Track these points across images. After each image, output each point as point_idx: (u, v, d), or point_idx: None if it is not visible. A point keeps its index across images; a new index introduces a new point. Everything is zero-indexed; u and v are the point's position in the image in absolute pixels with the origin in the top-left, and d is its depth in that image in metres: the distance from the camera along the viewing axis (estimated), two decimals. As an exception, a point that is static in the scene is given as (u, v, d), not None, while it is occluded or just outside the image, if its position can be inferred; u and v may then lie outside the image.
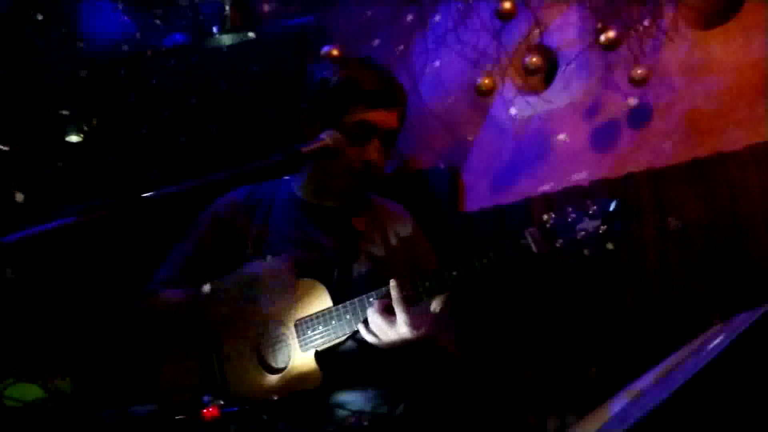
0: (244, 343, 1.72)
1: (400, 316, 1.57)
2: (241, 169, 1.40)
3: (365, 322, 1.63)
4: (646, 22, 3.26)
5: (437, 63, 3.69)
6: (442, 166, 3.97)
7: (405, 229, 1.93)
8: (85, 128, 3.73)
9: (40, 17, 3.58)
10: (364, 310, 1.63)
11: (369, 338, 1.63)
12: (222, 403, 1.42)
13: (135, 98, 3.85)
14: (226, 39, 3.93)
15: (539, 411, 3.26)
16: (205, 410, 1.41)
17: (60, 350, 3.06)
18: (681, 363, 1.24)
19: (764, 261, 2.91)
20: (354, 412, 1.71)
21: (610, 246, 1.51)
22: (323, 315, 1.67)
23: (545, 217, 1.57)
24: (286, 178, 1.97)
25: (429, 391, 1.88)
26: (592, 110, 3.55)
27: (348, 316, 1.65)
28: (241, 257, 1.82)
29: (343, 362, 1.70)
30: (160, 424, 1.64)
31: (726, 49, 3.21)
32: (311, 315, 1.68)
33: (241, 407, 1.44)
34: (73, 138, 3.77)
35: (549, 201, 3.43)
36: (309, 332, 1.68)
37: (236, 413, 1.45)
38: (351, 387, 1.72)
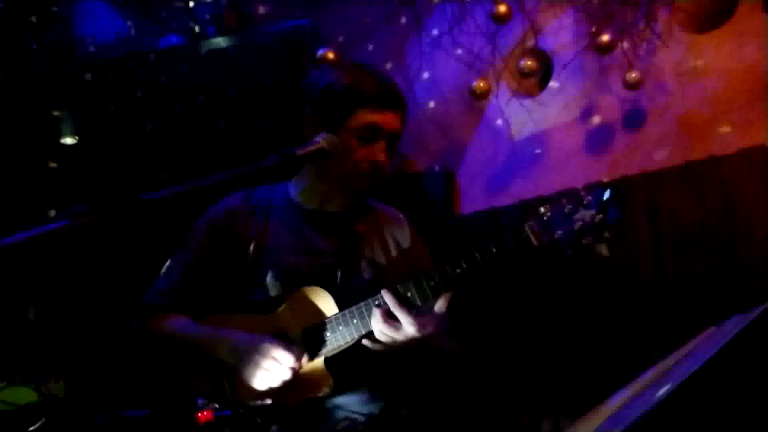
0: (237, 372, 1.71)
1: (404, 320, 1.58)
2: (236, 171, 1.39)
3: (370, 335, 1.64)
4: (640, 26, 3.28)
5: (432, 66, 3.70)
6: (437, 168, 3.98)
7: (403, 233, 1.94)
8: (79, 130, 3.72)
9: (34, 19, 3.57)
10: (370, 313, 1.64)
11: (377, 347, 1.63)
12: (216, 406, 1.42)
13: (130, 99, 3.84)
14: (222, 41, 3.93)
15: (534, 412, 3.26)
16: (199, 413, 1.41)
17: (53, 353, 3.05)
18: (675, 365, 1.24)
19: (757, 263, 2.92)
20: (356, 414, 1.71)
21: (607, 234, 1.53)
22: (330, 322, 1.68)
23: (542, 209, 1.58)
24: (282, 183, 1.96)
25: (430, 390, 1.88)
26: (586, 113, 3.56)
27: (355, 321, 1.65)
28: (241, 265, 1.81)
29: (353, 366, 1.71)
30: (154, 427, 1.64)
31: (719, 53, 3.22)
32: (318, 322, 1.69)
33: (235, 411, 1.43)
34: (68, 140, 3.76)
35: (543, 203, 3.43)
36: (317, 340, 1.69)
37: (230, 417, 1.45)
38: (346, 390, 1.72)
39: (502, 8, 3.16)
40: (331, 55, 3.22)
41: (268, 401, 1.59)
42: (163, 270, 1.87)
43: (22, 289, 3.19)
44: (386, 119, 1.77)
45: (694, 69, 3.27)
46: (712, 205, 3.05)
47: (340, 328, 1.66)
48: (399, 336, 1.59)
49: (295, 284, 1.75)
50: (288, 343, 1.62)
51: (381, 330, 1.60)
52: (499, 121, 3.76)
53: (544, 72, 3.64)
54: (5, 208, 3.40)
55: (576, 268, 3.23)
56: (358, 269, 1.81)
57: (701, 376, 1.02)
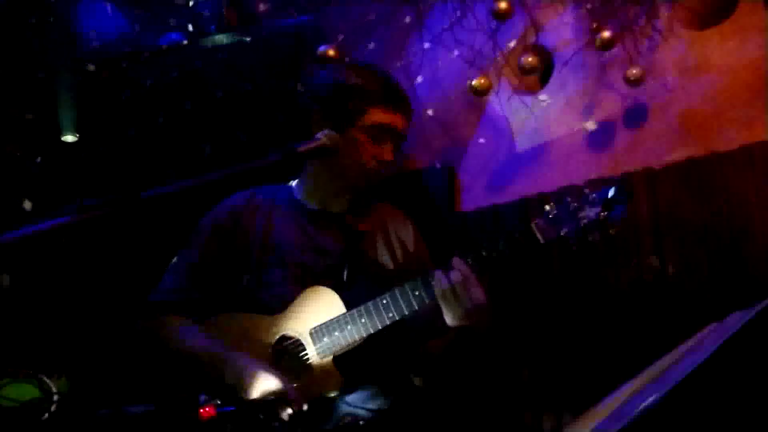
0: (258, 353, 1.72)
1: (477, 286, 1.61)
2: (238, 168, 1.40)
3: (386, 330, 1.65)
4: (641, 23, 3.27)
5: (433, 63, 3.69)
6: (438, 165, 3.97)
7: (406, 232, 1.96)
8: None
9: (35, 19, 3.57)
10: (379, 312, 1.65)
11: (452, 312, 1.63)
12: (218, 402, 1.42)
13: (131, 97, 3.84)
14: (223, 38, 3.93)
15: (535, 410, 3.27)
16: (201, 410, 1.41)
17: (56, 350, 3.06)
18: (676, 362, 1.24)
19: (759, 260, 2.92)
20: (360, 409, 1.71)
21: (612, 230, 1.57)
22: (338, 320, 1.69)
23: (547, 207, 1.62)
24: (286, 183, 1.97)
25: (434, 387, 1.89)
26: (587, 110, 3.55)
27: (363, 320, 1.66)
28: (246, 264, 1.82)
29: (362, 365, 1.71)
30: (156, 423, 1.64)
31: (721, 50, 3.22)
32: (326, 322, 1.69)
33: (237, 406, 1.44)
34: (69, 138, 3.76)
35: (545, 200, 3.43)
36: (325, 339, 1.69)
37: (232, 413, 1.45)
38: (357, 388, 1.73)
39: (503, 5, 3.15)
40: (332, 53, 3.22)
41: (272, 396, 1.60)
42: (169, 269, 1.88)
43: (26, 285, 3.20)
44: (395, 120, 1.81)
45: (696, 66, 3.26)
46: (714, 202, 3.04)
47: (348, 326, 1.67)
48: (466, 304, 1.60)
49: (301, 283, 1.76)
50: (288, 383, 1.61)
51: (452, 295, 1.60)
52: (500, 118, 3.76)
53: (545, 68, 3.64)
54: (6, 205, 3.40)
55: (578, 264, 3.23)
56: (363, 268, 1.82)
57: (704, 372, 1.02)
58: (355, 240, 1.84)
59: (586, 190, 1.60)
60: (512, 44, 3.62)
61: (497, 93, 3.55)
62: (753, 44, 3.13)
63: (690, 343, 1.39)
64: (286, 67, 3.79)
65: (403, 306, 1.65)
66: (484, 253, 1.61)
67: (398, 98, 1.83)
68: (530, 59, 3.24)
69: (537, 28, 3.48)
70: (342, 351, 1.68)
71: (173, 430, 1.63)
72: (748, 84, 3.12)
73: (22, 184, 3.52)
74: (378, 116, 1.78)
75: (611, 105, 3.47)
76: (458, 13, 3.51)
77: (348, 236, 1.85)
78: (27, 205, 3.20)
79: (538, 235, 1.60)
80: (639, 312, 3.12)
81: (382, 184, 1.87)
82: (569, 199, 1.61)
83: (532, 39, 3.52)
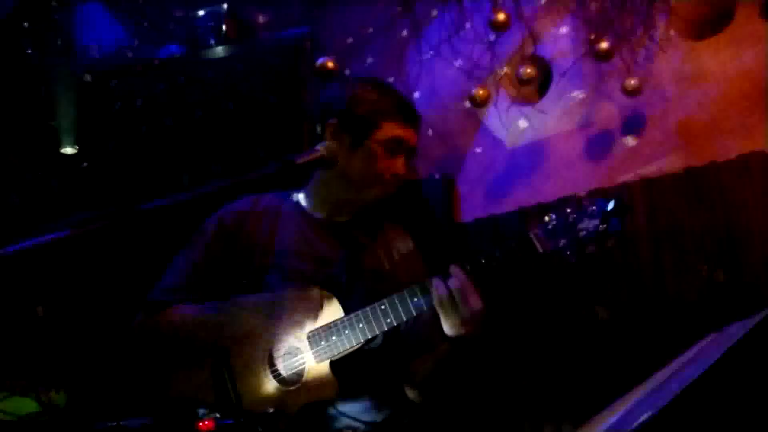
0: (255, 357, 1.72)
1: (474, 294, 1.62)
2: (236, 180, 1.40)
3: (381, 337, 1.66)
4: (638, 33, 3.29)
5: (432, 74, 3.71)
6: (436, 175, 3.98)
7: (405, 245, 1.99)
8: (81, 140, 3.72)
9: (34, 31, 3.58)
10: (377, 318, 1.66)
11: (450, 321, 1.64)
12: (217, 415, 1.42)
13: (130, 108, 3.85)
14: (222, 50, 3.94)
15: (535, 420, 3.25)
16: (200, 423, 1.40)
17: (54, 363, 3.04)
18: (676, 372, 1.24)
19: (757, 270, 2.92)
20: (358, 422, 1.71)
21: (610, 243, 1.58)
22: (336, 325, 1.69)
23: (546, 218, 1.63)
24: (292, 191, 1.98)
25: (431, 399, 1.89)
26: (585, 120, 3.56)
27: (361, 325, 1.67)
28: (247, 267, 1.83)
29: (358, 371, 1.72)
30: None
31: (718, 59, 3.23)
32: (324, 326, 1.70)
33: (236, 420, 1.43)
34: (68, 150, 3.76)
35: (543, 210, 3.43)
36: (323, 343, 1.69)
37: (231, 426, 1.44)
38: (350, 397, 1.72)
39: (501, 16, 3.17)
40: (330, 64, 3.23)
41: (271, 409, 1.60)
42: (170, 267, 1.89)
43: (23, 298, 3.19)
44: (408, 134, 1.87)
45: (693, 75, 3.28)
46: (712, 211, 3.05)
47: (346, 331, 1.68)
48: (463, 311, 1.61)
49: (299, 289, 1.76)
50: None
51: (449, 303, 1.61)
52: (499, 128, 3.77)
53: (543, 79, 3.65)
54: (4, 218, 3.40)
55: (576, 275, 3.23)
56: (362, 279, 1.82)
57: (703, 383, 1.02)
58: (356, 251, 1.86)
59: (585, 202, 1.61)
60: (510, 55, 3.64)
61: (495, 103, 3.56)
62: (749, 54, 3.14)
63: (689, 353, 1.39)
64: (284, 78, 3.81)
65: (401, 312, 1.66)
66: (482, 261, 1.62)
67: (411, 113, 1.89)
68: (528, 70, 3.25)
69: (535, 39, 3.50)
70: (339, 356, 1.68)
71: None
72: (744, 93, 3.13)
73: (21, 196, 3.52)
74: (392, 130, 1.83)
75: (609, 115, 3.48)
76: (456, 25, 3.52)
77: (349, 247, 1.86)
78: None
79: (537, 246, 1.61)
80: (639, 321, 3.11)
81: (393, 196, 1.90)
82: (569, 211, 1.62)
83: (530, 50, 3.54)
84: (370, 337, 1.67)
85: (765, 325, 1.19)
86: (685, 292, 3.05)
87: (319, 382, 1.67)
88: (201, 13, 3.95)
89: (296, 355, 1.71)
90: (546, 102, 3.66)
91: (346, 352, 1.68)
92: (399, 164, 1.85)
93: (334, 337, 1.68)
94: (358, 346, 1.68)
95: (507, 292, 3.32)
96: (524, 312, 3.38)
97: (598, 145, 3.52)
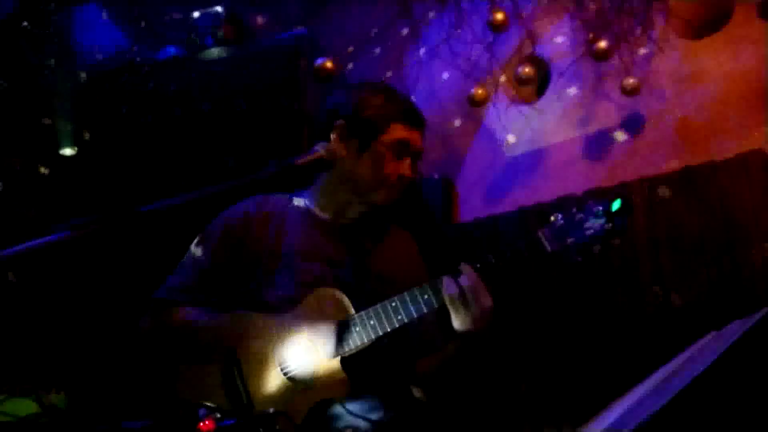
0: (265, 354, 1.73)
1: (484, 292, 1.64)
2: (235, 183, 1.40)
3: (392, 334, 1.67)
4: (636, 33, 3.29)
5: (430, 74, 3.71)
6: (436, 176, 3.98)
7: (408, 249, 2.00)
8: (81, 139, 3.72)
9: (33, 33, 3.59)
10: (388, 315, 1.68)
11: (461, 318, 1.66)
12: (218, 416, 1.42)
13: (128, 111, 3.85)
14: (220, 52, 3.94)
15: (535, 422, 3.26)
16: (201, 423, 1.40)
17: (54, 364, 3.04)
18: (675, 372, 1.24)
19: (755, 269, 2.93)
20: (360, 419, 1.71)
21: (616, 242, 1.61)
22: (346, 322, 1.70)
23: (553, 218, 1.66)
24: (297, 192, 1.99)
25: (435, 398, 1.90)
26: (584, 120, 3.57)
27: (372, 322, 1.69)
28: (255, 269, 1.83)
29: (368, 367, 1.72)
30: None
31: (715, 59, 3.24)
32: (334, 323, 1.71)
33: (237, 420, 1.43)
34: (67, 151, 3.76)
35: (542, 211, 3.44)
36: (333, 340, 1.70)
37: (233, 426, 1.44)
38: (358, 395, 1.73)
39: (499, 16, 3.18)
40: (329, 65, 3.23)
41: (272, 409, 1.60)
42: (177, 268, 1.89)
43: (23, 300, 3.19)
44: (414, 137, 1.89)
45: (691, 75, 3.28)
46: (711, 210, 3.05)
47: (357, 329, 1.69)
48: (474, 309, 1.64)
49: (308, 288, 1.77)
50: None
51: (461, 301, 1.64)
52: (498, 129, 3.77)
53: (542, 79, 3.65)
54: (5, 219, 3.40)
55: (576, 275, 3.23)
56: (368, 282, 1.83)
57: (702, 382, 1.02)
58: (361, 252, 1.87)
59: (591, 202, 1.65)
60: (509, 55, 3.65)
61: (494, 104, 3.57)
62: (747, 54, 3.15)
63: (689, 352, 1.39)
64: (283, 80, 3.81)
65: (412, 309, 1.68)
66: (492, 260, 1.65)
67: (417, 116, 1.91)
68: (527, 70, 3.26)
69: (533, 39, 3.51)
70: (349, 353, 1.70)
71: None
72: (742, 93, 3.14)
73: (23, 197, 3.52)
74: (399, 132, 1.85)
75: (607, 115, 3.48)
76: (455, 25, 3.53)
77: (354, 249, 1.87)
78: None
79: (546, 245, 1.64)
80: (638, 321, 3.11)
81: (400, 199, 1.91)
82: (575, 210, 1.65)
83: (528, 50, 3.55)
84: (381, 334, 1.68)
85: (764, 324, 1.19)
86: (684, 291, 3.05)
87: (330, 380, 1.68)
88: (199, 15, 3.95)
89: (306, 353, 1.72)
90: (544, 102, 3.67)
91: (357, 350, 1.69)
92: (406, 167, 1.87)
93: (344, 335, 1.69)
94: (369, 344, 1.69)
95: (514, 291, 3.32)
96: (528, 311, 3.38)
97: (597, 145, 3.52)
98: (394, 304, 1.68)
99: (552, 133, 3.64)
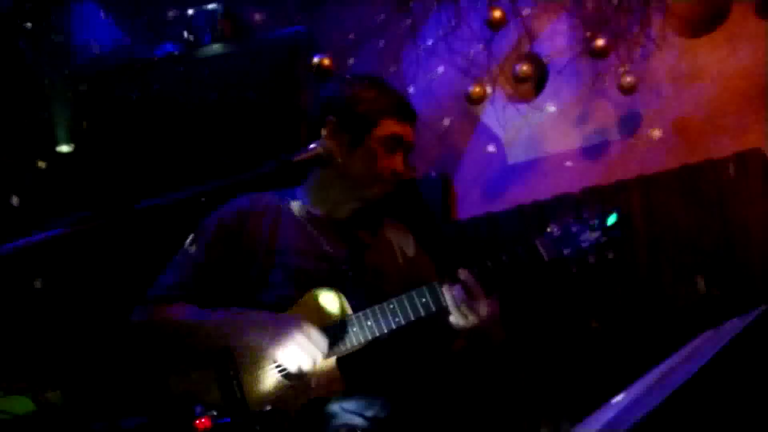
0: (259, 353, 1.72)
1: (481, 299, 1.66)
2: (233, 179, 1.40)
3: (389, 335, 1.67)
4: (634, 31, 3.29)
5: (428, 72, 3.71)
6: (433, 174, 3.98)
7: (407, 244, 2.00)
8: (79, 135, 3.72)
9: (29, 30, 3.57)
10: (385, 316, 1.68)
11: (461, 321, 1.67)
12: (215, 414, 1.41)
13: (126, 107, 3.84)
14: (218, 48, 3.93)
15: (532, 418, 3.26)
16: (197, 421, 1.40)
17: (50, 362, 3.04)
18: (674, 369, 1.24)
19: (754, 266, 2.93)
20: (356, 416, 1.71)
21: (610, 255, 1.67)
22: (343, 322, 1.70)
23: (550, 228, 1.70)
24: (291, 188, 1.98)
25: (432, 396, 1.90)
26: (581, 118, 3.57)
27: (369, 323, 1.69)
28: (249, 266, 1.83)
29: (365, 368, 1.72)
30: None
31: (713, 57, 3.24)
32: (331, 323, 1.70)
33: (233, 418, 1.43)
34: (64, 148, 3.75)
35: (541, 209, 3.44)
36: (329, 339, 1.69)
37: (229, 424, 1.44)
38: (354, 393, 1.73)
39: (497, 14, 3.17)
40: (327, 62, 3.23)
41: (274, 406, 1.60)
42: (170, 265, 1.88)
43: (19, 296, 3.18)
44: (406, 131, 1.89)
45: (689, 73, 3.28)
46: (708, 209, 3.05)
47: (354, 329, 1.69)
48: (473, 316, 1.66)
49: (305, 286, 1.77)
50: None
51: (461, 307, 1.65)
52: (495, 127, 3.77)
53: (540, 77, 3.65)
54: (1, 216, 3.39)
55: (576, 281, 3.23)
56: (366, 275, 1.83)
57: (700, 379, 1.02)
58: (357, 248, 1.87)
59: (586, 215, 1.69)
60: (506, 53, 3.64)
61: (492, 101, 3.56)
62: (745, 52, 3.15)
63: (686, 350, 1.39)
64: (281, 77, 3.80)
65: (409, 311, 1.69)
66: (489, 265, 1.66)
67: (408, 110, 1.91)
68: (524, 68, 3.25)
69: (531, 36, 3.50)
70: (346, 353, 1.69)
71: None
72: (740, 91, 3.14)
73: (18, 194, 3.51)
74: (390, 127, 1.85)
75: (605, 113, 3.48)
76: (452, 23, 3.52)
77: (350, 244, 1.87)
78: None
79: (543, 253, 1.67)
80: (636, 318, 3.12)
81: (392, 194, 1.91)
82: (571, 222, 1.69)
83: (526, 48, 3.54)
84: (378, 335, 1.68)
85: (762, 321, 1.19)
86: (682, 291, 3.06)
87: (325, 379, 1.68)
88: (197, 11, 3.94)
89: (302, 351, 1.71)
90: (542, 100, 3.66)
91: (353, 350, 1.69)
92: (398, 161, 1.87)
93: (341, 335, 1.69)
94: (365, 344, 1.69)
95: (511, 295, 3.32)
96: (525, 313, 3.38)
97: (594, 143, 3.52)
98: (392, 306, 1.68)
99: (549, 130, 3.64)
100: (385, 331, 1.68)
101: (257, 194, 1.97)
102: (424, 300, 1.68)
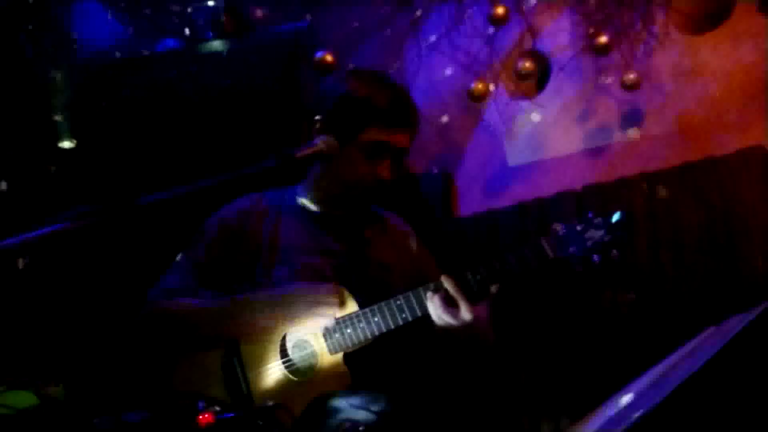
0: (267, 347, 1.72)
1: (463, 305, 1.64)
2: (235, 174, 1.40)
3: (393, 331, 1.68)
4: (637, 28, 3.28)
5: (430, 68, 3.70)
6: (435, 171, 3.98)
7: (409, 240, 1.99)
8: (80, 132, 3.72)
9: (30, 25, 3.57)
10: (392, 313, 1.68)
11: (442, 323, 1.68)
12: (217, 409, 1.42)
13: (127, 103, 3.84)
14: (219, 45, 3.93)
15: (533, 415, 3.26)
16: (200, 416, 1.40)
17: (53, 356, 3.04)
18: (674, 366, 1.24)
19: (756, 263, 2.93)
20: (360, 410, 1.71)
21: (615, 252, 1.67)
22: (350, 318, 1.70)
23: (555, 227, 1.70)
24: (292, 186, 1.98)
25: (435, 391, 1.91)
26: (584, 115, 3.56)
27: (376, 319, 1.69)
28: (253, 265, 1.82)
29: (371, 363, 1.73)
30: (154, 431, 1.63)
31: (716, 54, 3.24)
32: (338, 318, 1.71)
33: (236, 413, 1.44)
34: (66, 144, 3.75)
35: (542, 206, 3.44)
36: (336, 335, 1.70)
37: (231, 419, 1.44)
38: (360, 389, 1.73)
39: (500, 10, 3.17)
40: (329, 58, 3.23)
41: (271, 402, 1.60)
42: (172, 266, 1.88)
43: (21, 291, 3.19)
44: (395, 138, 1.82)
45: (691, 70, 3.28)
46: (710, 205, 3.05)
47: (361, 325, 1.70)
48: (456, 321, 1.65)
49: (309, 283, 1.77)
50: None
51: (440, 315, 1.65)
52: (497, 123, 3.77)
53: (542, 74, 3.65)
54: (2, 212, 3.40)
55: (587, 273, 3.22)
56: (370, 271, 1.83)
57: (701, 377, 1.02)
58: (359, 244, 1.87)
59: (591, 214, 1.70)
60: (509, 49, 3.63)
61: (494, 98, 3.56)
62: (748, 48, 3.14)
63: (688, 347, 1.39)
64: (283, 73, 3.80)
65: (416, 308, 1.69)
66: (497, 265, 1.66)
67: (399, 116, 1.82)
68: (527, 64, 3.25)
69: (533, 33, 3.50)
70: (353, 349, 1.70)
71: (172, 437, 1.62)
72: (743, 88, 3.14)
73: (20, 190, 3.52)
74: (376, 135, 1.79)
75: (607, 109, 3.48)
76: (455, 19, 3.52)
77: (352, 240, 1.87)
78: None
79: (548, 251, 1.67)
80: (637, 316, 3.12)
81: (381, 196, 1.89)
82: (576, 221, 1.70)
83: (528, 44, 3.54)
84: (384, 331, 1.69)
85: (763, 318, 1.19)
86: (684, 287, 3.05)
87: (332, 374, 1.69)
88: (198, 7, 3.94)
89: (309, 347, 1.72)
90: (544, 96, 3.66)
91: (360, 345, 1.70)
92: (383, 168, 1.81)
93: (349, 330, 1.70)
94: (372, 339, 1.70)
95: (514, 294, 3.32)
96: (523, 307, 3.38)
97: (597, 140, 3.52)
98: (399, 302, 1.69)
99: (551, 127, 3.63)
100: (392, 327, 1.69)
101: (258, 194, 1.97)
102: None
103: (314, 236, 1.87)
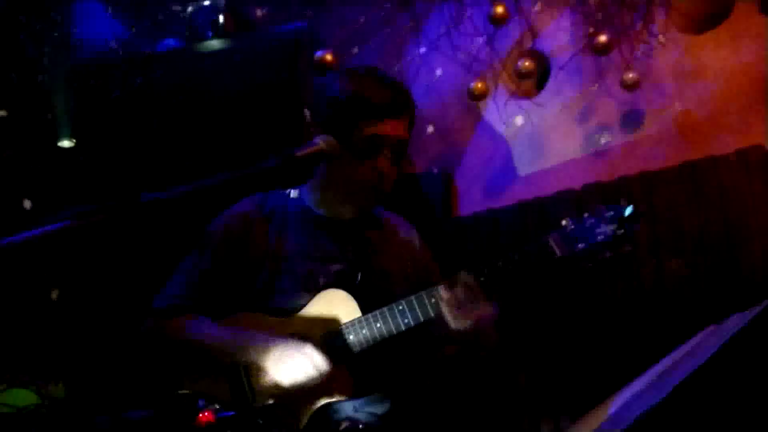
0: (270, 365, 1.70)
1: (474, 306, 1.63)
2: (236, 174, 1.39)
3: (404, 334, 1.67)
4: (637, 28, 3.29)
5: (430, 68, 3.70)
6: (435, 170, 3.98)
7: (412, 241, 1.98)
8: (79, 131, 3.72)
9: (31, 25, 3.57)
10: (395, 318, 1.67)
11: (455, 324, 1.66)
12: (217, 407, 1.42)
13: (126, 102, 3.84)
14: (219, 44, 3.93)
15: (533, 415, 3.26)
16: (200, 415, 1.40)
17: (53, 355, 3.05)
18: (674, 365, 1.24)
19: (755, 262, 2.93)
20: (360, 412, 1.71)
21: (626, 248, 1.63)
22: (353, 324, 1.69)
23: (564, 222, 1.66)
24: (295, 188, 1.96)
25: (434, 392, 1.90)
26: (584, 114, 3.57)
27: (378, 325, 1.68)
28: (258, 271, 1.80)
29: (373, 369, 1.72)
30: (154, 429, 1.63)
31: (716, 54, 3.24)
32: (340, 325, 1.70)
33: (236, 412, 1.43)
34: (65, 143, 3.75)
35: (542, 205, 3.44)
36: (338, 342, 1.69)
37: (231, 418, 1.44)
38: (363, 394, 1.72)
39: (500, 10, 3.17)
40: (329, 57, 3.23)
41: (271, 400, 1.59)
42: (176, 273, 1.86)
43: (22, 290, 3.19)
44: (388, 128, 1.79)
45: (692, 70, 3.28)
46: (711, 205, 3.05)
47: (364, 331, 1.68)
48: (467, 322, 1.63)
49: (313, 290, 1.76)
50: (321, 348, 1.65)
51: (455, 315, 1.63)
52: (497, 123, 3.77)
53: (542, 73, 3.65)
54: (4, 211, 3.40)
55: (597, 270, 3.22)
56: (372, 275, 1.82)
57: (701, 376, 1.02)
58: (363, 248, 1.85)
59: (602, 207, 1.65)
60: (509, 49, 3.64)
61: (494, 98, 3.56)
62: (748, 49, 3.15)
63: (688, 346, 1.39)
64: (283, 72, 3.80)
65: (419, 313, 1.68)
66: (500, 265, 1.64)
67: (391, 106, 1.80)
68: (527, 64, 3.25)
69: (534, 33, 3.50)
70: (355, 355, 1.69)
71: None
72: (743, 88, 3.14)
73: (20, 188, 3.52)
74: (369, 130, 1.77)
75: (607, 109, 3.48)
76: (455, 19, 3.52)
77: (356, 245, 1.85)
78: (27, 204, 3.19)
79: (555, 249, 1.63)
80: (637, 315, 3.12)
81: (385, 194, 1.87)
82: (586, 215, 1.65)
83: (528, 44, 3.54)
84: (387, 336, 1.67)
85: (763, 317, 1.19)
86: (684, 286, 3.06)
87: (335, 382, 1.67)
88: (199, 6, 3.94)
89: (312, 360, 1.70)
90: (544, 96, 3.66)
91: (362, 351, 1.69)
92: (381, 162, 1.79)
93: (351, 337, 1.69)
94: (374, 345, 1.69)
95: (518, 293, 3.32)
96: (523, 307, 3.38)
97: (597, 140, 3.52)
98: (401, 307, 1.67)
99: (551, 127, 3.64)
100: (395, 332, 1.67)
101: (262, 196, 1.94)
102: (433, 300, 1.67)
103: (317, 242, 1.85)
